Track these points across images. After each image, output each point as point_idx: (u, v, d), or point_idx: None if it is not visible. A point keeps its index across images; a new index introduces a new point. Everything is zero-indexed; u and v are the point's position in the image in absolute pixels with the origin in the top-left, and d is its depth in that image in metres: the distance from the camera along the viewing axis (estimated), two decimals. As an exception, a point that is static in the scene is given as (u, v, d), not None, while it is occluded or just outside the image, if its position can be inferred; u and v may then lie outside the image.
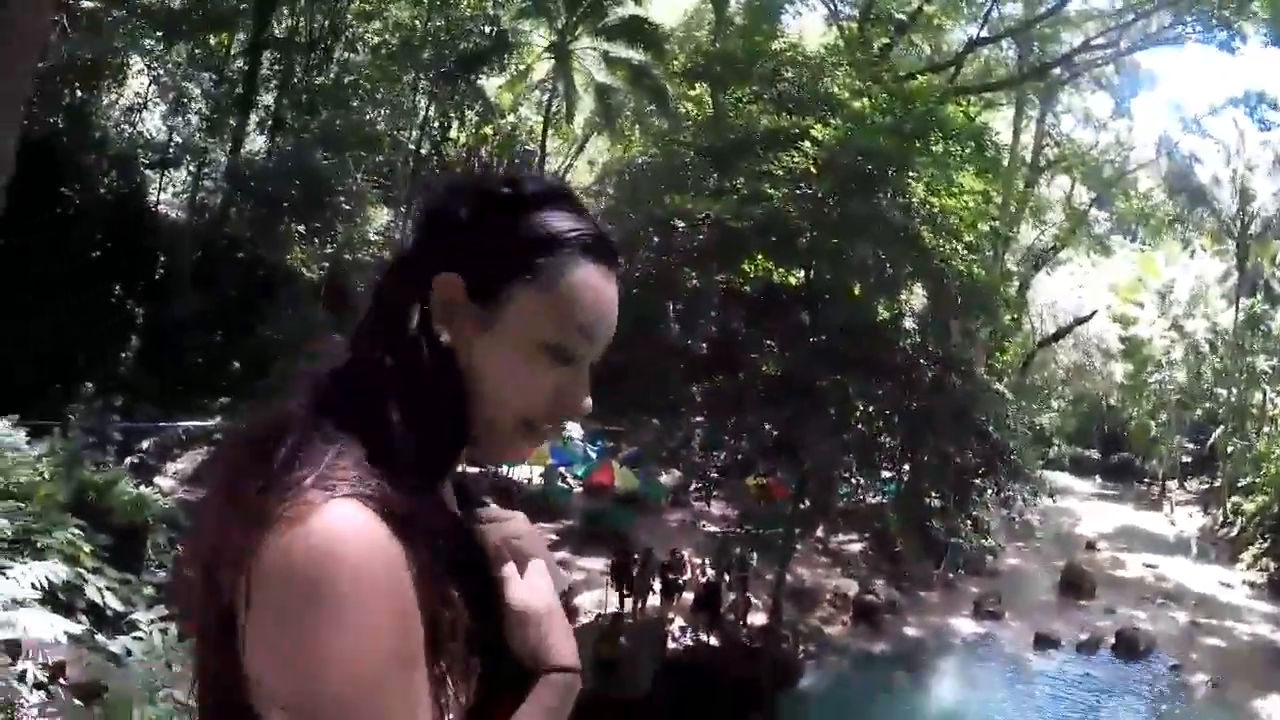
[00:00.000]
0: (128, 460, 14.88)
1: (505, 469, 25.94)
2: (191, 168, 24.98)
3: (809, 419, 17.68)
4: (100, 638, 6.40)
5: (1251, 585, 30.42)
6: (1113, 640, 24.64)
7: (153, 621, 6.21)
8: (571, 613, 17.98)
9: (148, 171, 23.98)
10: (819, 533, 25.25)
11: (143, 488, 12.23)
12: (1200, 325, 47.88)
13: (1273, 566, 31.60)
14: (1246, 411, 43.42)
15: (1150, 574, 32.50)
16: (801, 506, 20.39)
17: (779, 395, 18.21)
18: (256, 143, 26.80)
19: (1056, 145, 39.54)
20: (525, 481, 25.59)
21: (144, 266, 22.60)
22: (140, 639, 5.99)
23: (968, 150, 20.02)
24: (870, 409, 19.50)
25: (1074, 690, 22.56)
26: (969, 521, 25.08)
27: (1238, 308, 45.27)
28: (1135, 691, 22.73)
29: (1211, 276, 49.10)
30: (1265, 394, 41.64)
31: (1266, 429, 41.81)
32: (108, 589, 7.29)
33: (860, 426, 19.58)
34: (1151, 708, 22.17)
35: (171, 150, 23.95)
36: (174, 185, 26.05)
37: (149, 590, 8.27)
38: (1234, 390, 43.35)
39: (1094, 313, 39.81)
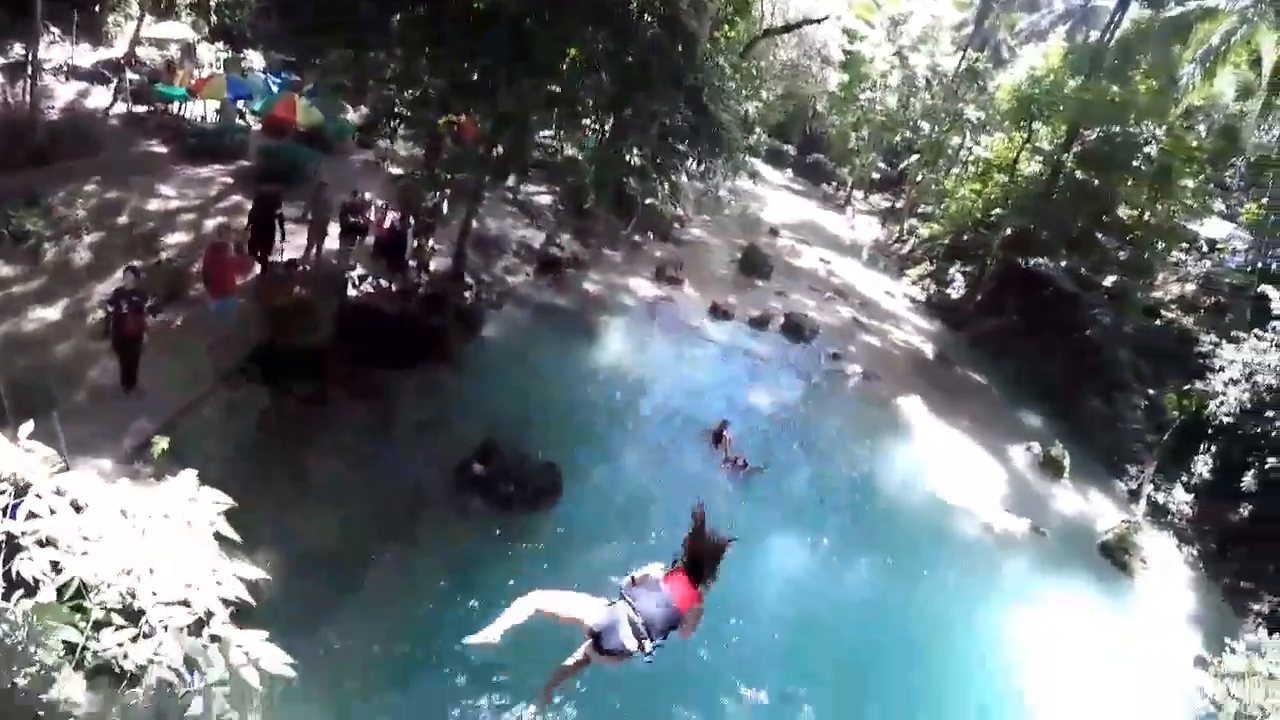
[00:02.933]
0: None
1: (176, 106, 22.14)
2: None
3: (513, 59, 16.21)
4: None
5: (911, 300, 34.46)
6: (782, 321, 27.22)
7: None
8: (248, 261, 16.42)
9: None
10: (510, 182, 24.56)
11: None
12: (923, 61, 50.08)
13: (933, 288, 35.99)
14: (943, 149, 47.13)
15: (824, 269, 35.69)
16: (495, 153, 19.33)
17: (484, 31, 16.35)
18: None
19: None
20: (198, 119, 22.01)
21: None
22: None
23: None
24: (580, 58, 18.22)
25: (741, 357, 24.92)
26: (666, 185, 25.47)
27: (964, 57, 47.68)
28: (796, 368, 25.43)
29: (948, 21, 50.93)
30: (964, 140, 44.87)
31: (956, 170, 45.83)
32: None
33: (567, 74, 18.33)
34: (810, 383, 25.01)
35: None
36: None
37: None
38: (937, 128, 46.46)
39: (825, 18, 39.73)
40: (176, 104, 22.52)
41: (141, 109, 22.01)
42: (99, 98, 21.84)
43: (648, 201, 27.76)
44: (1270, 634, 15.02)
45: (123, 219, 16.22)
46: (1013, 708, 15.43)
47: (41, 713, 3.21)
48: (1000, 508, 21.67)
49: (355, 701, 11.02)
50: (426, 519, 14.89)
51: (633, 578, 5.31)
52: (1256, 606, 20.87)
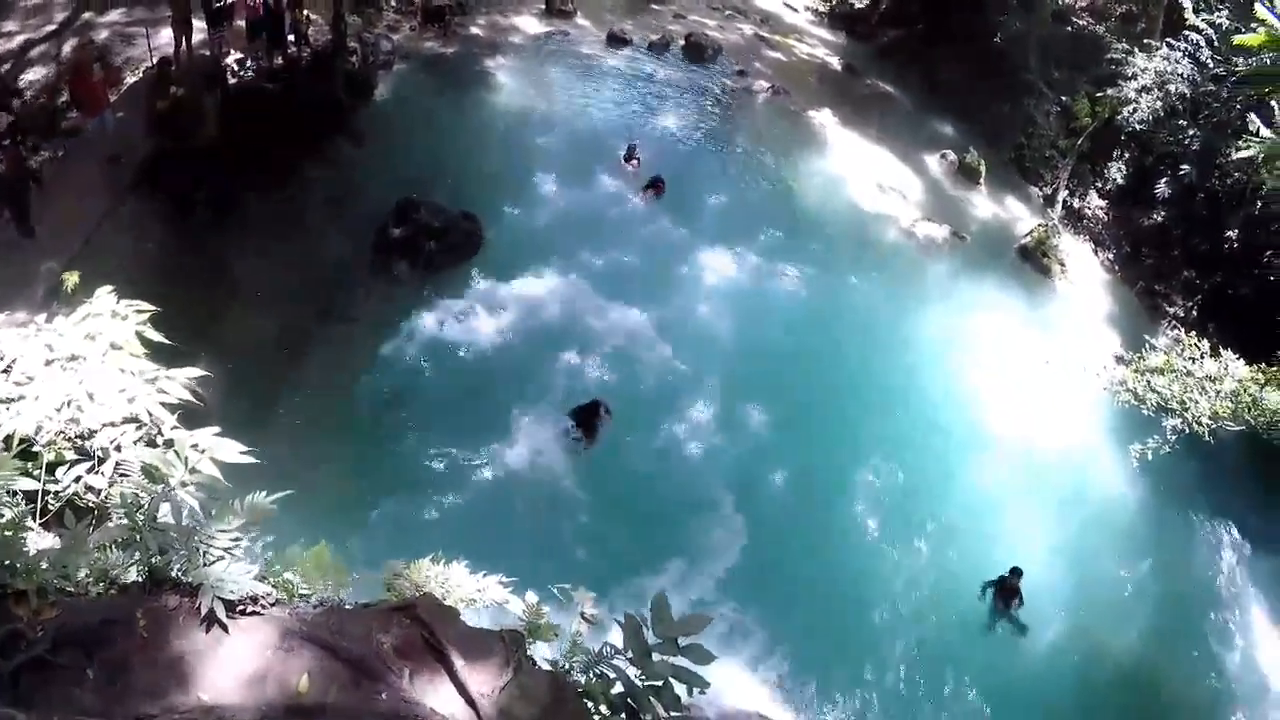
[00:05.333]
0: None
1: None
2: None
3: None
4: None
5: (814, 12, 32.19)
6: (682, 43, 26.21)
7: None
8: (118, 70, 15.73)
9: None
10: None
11: None
12: None
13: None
14: None
15: None
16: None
17: None
18: None
19: None
20: None
21: None
22: None
23: None
24: None
25: (644, 83, 24.34)
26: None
27: None
28: (701, 89, 24.91)
29: None
30: None
31: None
32: None
33: None
34: (717, 102, 24.62)
35: None
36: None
37: None
38: None
39: None
40: None
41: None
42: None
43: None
44: (1186, 332, 16.10)
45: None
46: (945, 407, 16.85)
47: (16, 564, 3.15)
48: (919, 215, 22.26)
49: (323, 474, 12.18)
50: (355, 293, 15.66)
51: None
52: (1170, 309, 22.11)
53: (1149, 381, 12.89)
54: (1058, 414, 17.12)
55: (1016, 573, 13.39)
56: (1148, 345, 14.08)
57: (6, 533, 3.30)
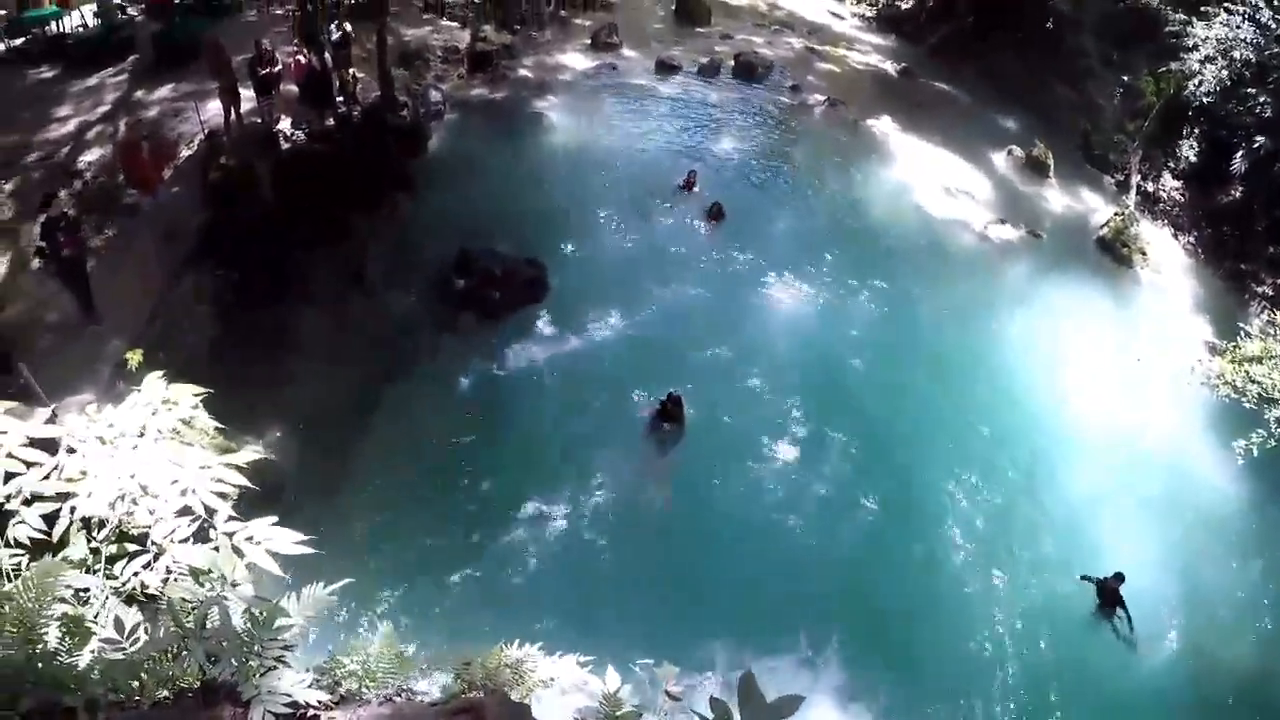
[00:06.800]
0: None
1: (54, 25, 20.39)
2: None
3: None
4: None
5: (861, 18, 31.95)
6: (732, 64, 25.86)
7: None
8: (170, 145, 15.78)
9: None
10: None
11: None
12: None
13: (881, 2, 32.90)
14: None
15: (763, 2, 33.10)
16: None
17: None
18: None
19: None
20: (78, 29, 20.38)
21: None
22: None
23: None
24: None
25: (697, 108, 23.93)
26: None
27: None
28: (756, 108, 24.42)
29: None
30: None
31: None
32: None
33: None
34: (775, 120, 24.08)
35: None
36: None
37: None
38: None
39: None
40: (53, 23, 20.73)
41: (19, 41, 20.39)
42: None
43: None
44: (1277, 313, 15.11)
45: (31, 157, 15.38)
46: (1035, 415, 16.01)
47: (69, 682, 3.01)
48: (991, 216, 21.53)
49: (398, 541, 11.80)
50: (421, 348, 15.28)
51: None
52: (1259, 288, 20.90)
53: (1248, 372, 12.21)
54: (1154, 412, 16.26)
55: (1119, 577, 12.61)
56: (1241, 332, 13.11)
57: (66, 642, 3.15)
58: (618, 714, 3.72)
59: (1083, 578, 12.87)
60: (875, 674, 11.33)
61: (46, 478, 4.02)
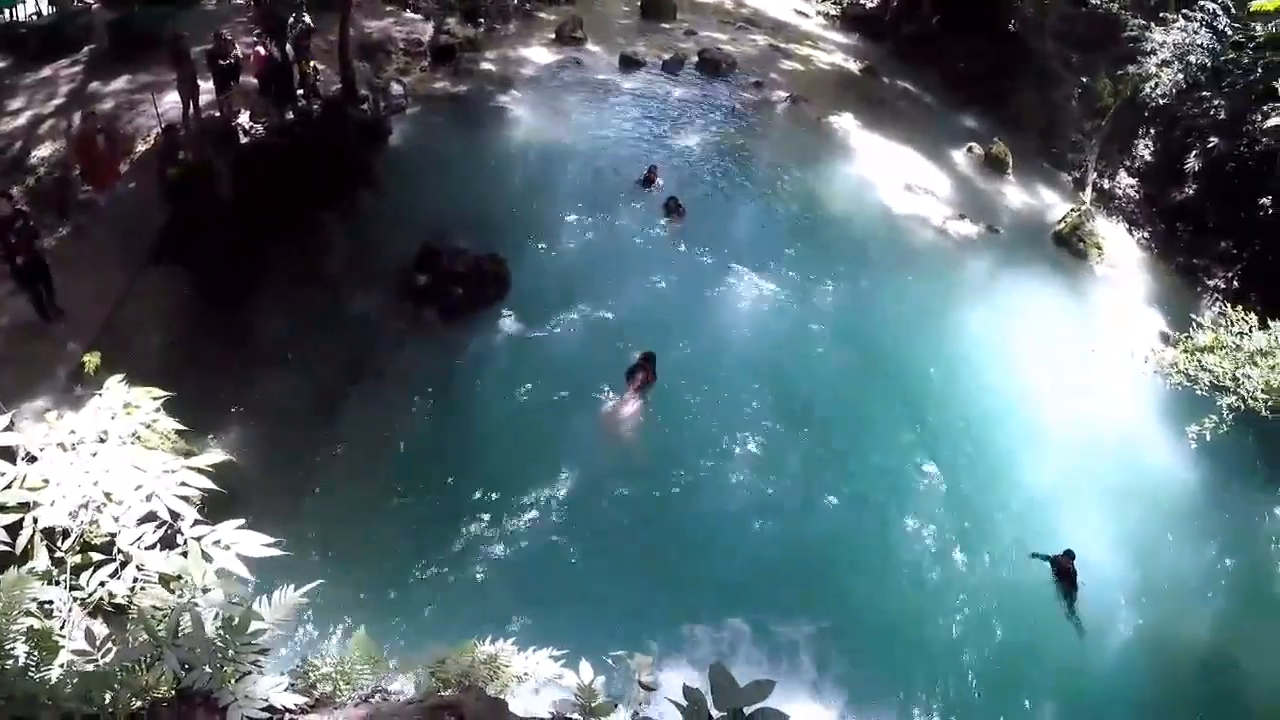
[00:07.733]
0: None
1: (5, 13, 19.84)
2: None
3: None
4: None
5: (826, 16, 32.01)
6: (695, 59, 25.91)
7: None
8: (126, 139, 15.46)
9: None
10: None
11: None
12: None
13: (845, 1, 33.03)
14: None
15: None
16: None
17: None
18: None
19: None
20: (32, 18, 19.86)
21: None
22: None
23: None
24: None
25: (661, 104, 23.98)
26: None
27: None
28: (719, 104, 24.50)
29: None
30: None
31: None
32: None
33: None
34: (736, 116, 24.21)
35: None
36: None
37: None
38: None
39: None
40: (5, 11, 20.12)
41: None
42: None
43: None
44: (1229, 305, 15.67)
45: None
46: (994, 405, 16.30)
47: (41, 696, 2.97)
48: (951, 211, 21.86)
49: (364, 542, 11.72)
50: (385, 345, 15.16)
51: None
52: (1211, 282, 21.58)
53: (1200, 361, 12.55)
54: (1109, 401, 16.68)
55: (1069, 554, 13.14)
56: (1194, 323, 13.62)
57: (34, 655, 3.14)
58: (593, 706, 3.84)
59: (1033, 555, 13.35)
60: (844, 658, 11.52)
61: (7, 487, 4.00)
